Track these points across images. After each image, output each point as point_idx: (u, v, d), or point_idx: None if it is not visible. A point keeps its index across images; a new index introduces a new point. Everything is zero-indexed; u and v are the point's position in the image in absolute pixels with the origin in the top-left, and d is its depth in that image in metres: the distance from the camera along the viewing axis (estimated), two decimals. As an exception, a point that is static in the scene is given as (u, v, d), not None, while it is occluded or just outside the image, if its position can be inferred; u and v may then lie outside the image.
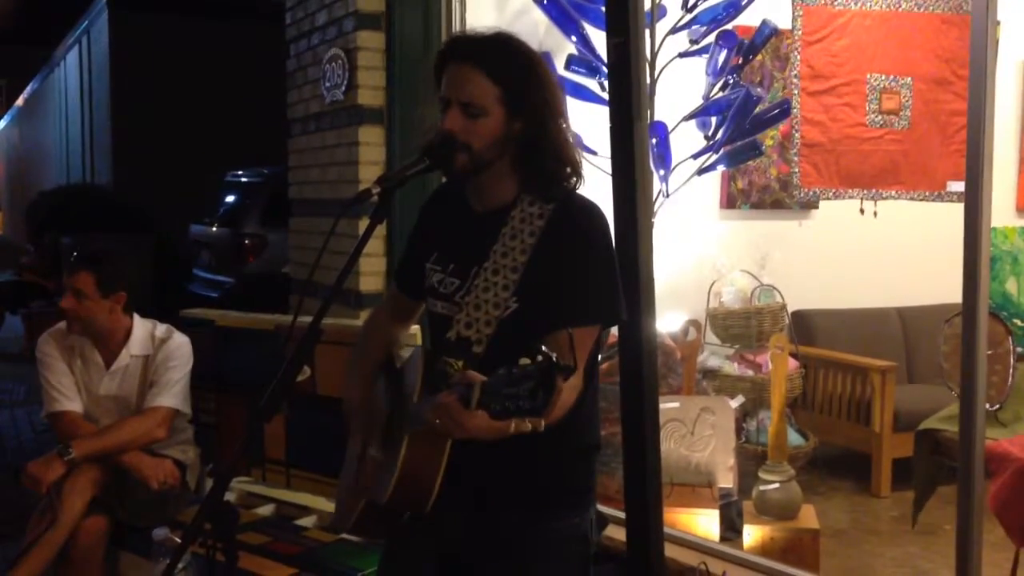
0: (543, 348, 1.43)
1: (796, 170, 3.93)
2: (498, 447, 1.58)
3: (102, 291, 3.18)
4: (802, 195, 3.98)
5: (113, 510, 3.15)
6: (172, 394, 3.26)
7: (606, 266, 1.84)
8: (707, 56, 4.16)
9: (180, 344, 3.34)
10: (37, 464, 3.08)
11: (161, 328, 3.36)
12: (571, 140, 1.89)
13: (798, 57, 3.89)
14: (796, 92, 3.90)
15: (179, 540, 3.16)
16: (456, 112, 1.80)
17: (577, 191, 1.90)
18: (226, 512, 1.83)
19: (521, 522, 1.87)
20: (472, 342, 1.81)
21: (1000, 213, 2.73)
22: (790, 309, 4.84)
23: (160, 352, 3.29)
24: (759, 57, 4.61)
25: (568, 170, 1.87)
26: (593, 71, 4.14)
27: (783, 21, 4.11)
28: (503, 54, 1.83)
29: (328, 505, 3.40)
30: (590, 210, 1.86)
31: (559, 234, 1.82)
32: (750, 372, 4.66)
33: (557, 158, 1.85)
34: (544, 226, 1.82)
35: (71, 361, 3.28)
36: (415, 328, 3.21)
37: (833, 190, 3.99)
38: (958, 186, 3.98)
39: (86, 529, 3.05)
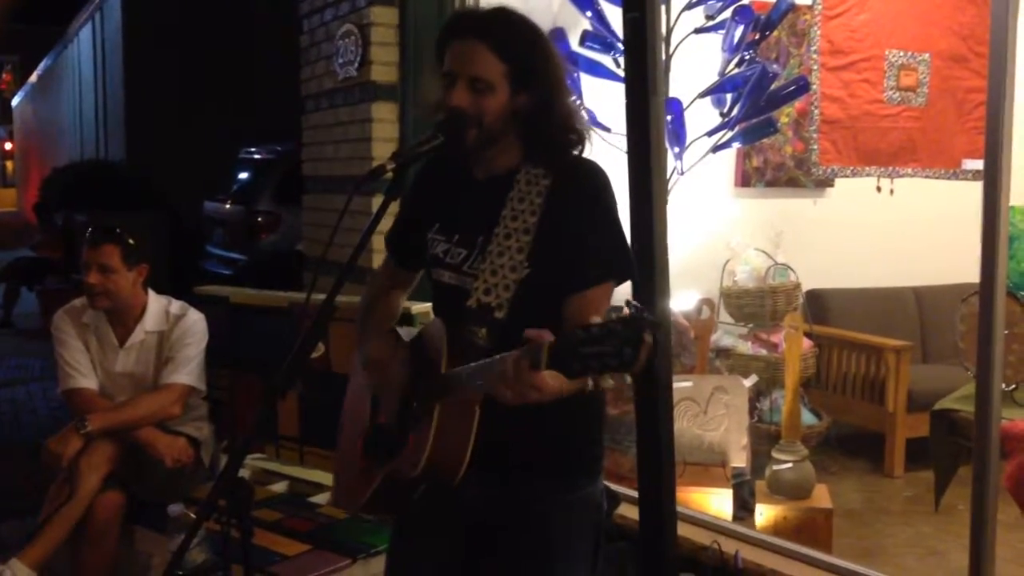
0: (631, 302, 1.42)
1: (815, 147, 3.88)
2: (520, 418, 1.60)
3: (127, 263, 3.20)
4: (820, 173, 3.94)
5: (128, 486, 3.17)
6: (187, 371, 3.27)
7: (613, 224, 1.87)
8: (723, 32, 4.12)
9: (195, 321, 3.34)
10: (55, 440, 3.10)
11: (176, 304, 3.37)
12: (576, 110, 1.91)
13: (818, 32, 3.84)
14: (816, 68, 3.85)
15: (194, 516, 3.19)
16: (463, 87, 1.81)
17: (580, 155, 1.91)
18: (240, 488, 1.83)
19: (541, 490, 1.90)
20: (493, 307, 1.81)
21: (1019, 191, 2.69)
22: (804, 288, 4.82)
23: (175, 329, 3.30)
24: (775, 33, 4.57)
25: (574, 137, 1.89)
26: (608, 47, 4.10)
27: (800, -4, 4.07)
28: (508, 30, 1.84)
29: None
30: (593, 170, 1.88)
31: (565, 194, 1.83)
32: (764, 351, 4.65)
33: (563, 128, 1.87)
34: (550, 186, 1.84)
35: (86, 338, 3.29)
36: (427, 306, 3.21)
37: (851, 168, 3.94)
38: (973, 164, 3.93)
39: (102, 505, 3.07)
